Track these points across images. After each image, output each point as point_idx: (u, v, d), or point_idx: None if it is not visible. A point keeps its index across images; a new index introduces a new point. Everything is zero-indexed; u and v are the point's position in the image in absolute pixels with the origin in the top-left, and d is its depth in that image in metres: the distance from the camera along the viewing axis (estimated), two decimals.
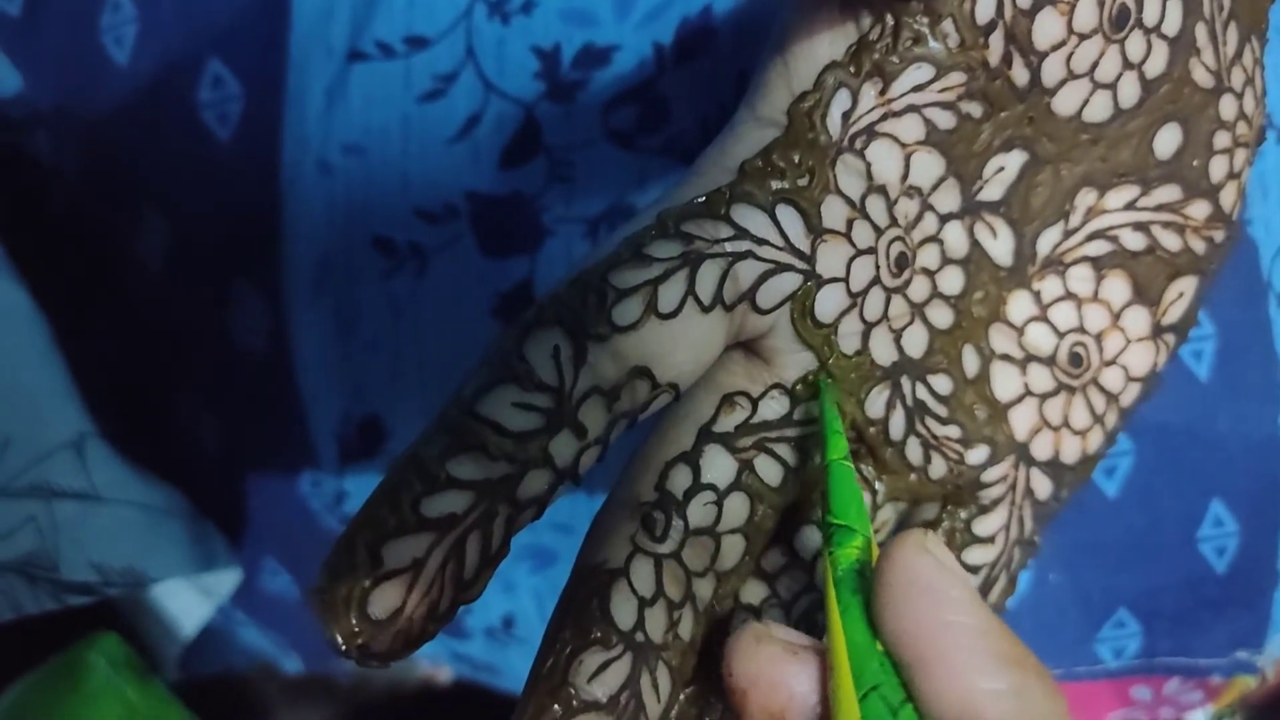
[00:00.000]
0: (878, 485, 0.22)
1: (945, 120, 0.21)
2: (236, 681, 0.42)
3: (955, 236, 0.22)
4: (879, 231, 0.21)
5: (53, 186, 0.35)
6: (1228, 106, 0.22)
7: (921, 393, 0.22)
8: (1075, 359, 0.23)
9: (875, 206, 0.21)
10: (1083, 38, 0.20)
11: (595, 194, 0.29)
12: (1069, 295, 0.23)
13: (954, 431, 0.22)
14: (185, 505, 0.34)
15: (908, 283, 0.21)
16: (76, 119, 0.34)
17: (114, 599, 0.35)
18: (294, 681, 0.41)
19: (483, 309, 0.30)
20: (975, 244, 0.22)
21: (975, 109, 0.21)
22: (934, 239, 0.21)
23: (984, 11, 0.20)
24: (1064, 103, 0.21)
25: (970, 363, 0.22)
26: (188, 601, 0.38)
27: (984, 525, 0.23)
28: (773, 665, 0.17)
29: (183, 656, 0.40)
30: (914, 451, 0.22)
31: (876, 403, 0.21)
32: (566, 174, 0.29)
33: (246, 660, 0.40)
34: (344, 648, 0.16)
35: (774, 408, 0.21)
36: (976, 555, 0.23)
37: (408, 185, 0.30)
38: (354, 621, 0.16)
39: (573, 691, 0.18)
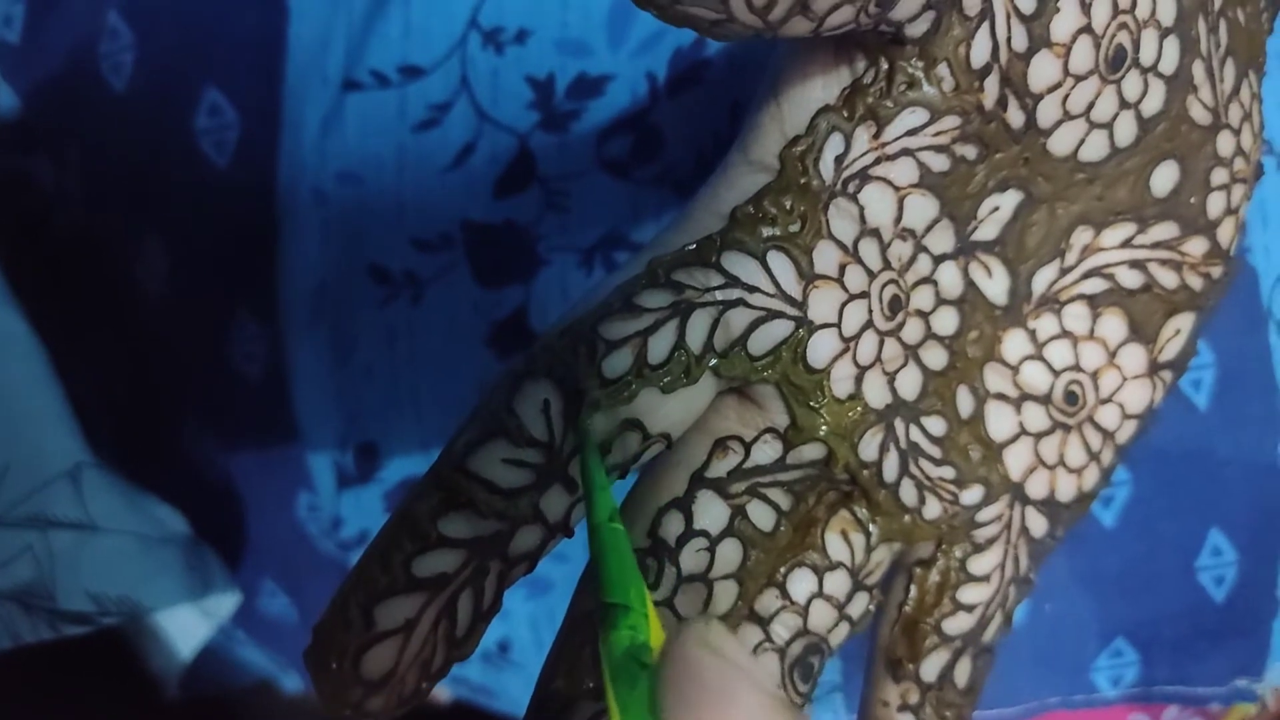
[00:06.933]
0: (871, 528, 0.22)
1: (939, 163, 0.20)
2: (237, 700, 0.43)
3: (949, 277, 0.21)
4: (872, 275, 0.20)
5: (52, 212, 0.35)
6: (1225, 143, 0.22)
7: (915, 435, 0.21)
8: (1071, 397, 0.23)
9: (868, 250, 0.20)
10: (1079, 79, 0.20)
11: (589, 224, 0.29)
12: (1065, 333, 0.23)
13: (948, 472, 0.22)
14: (183, 530, 0.34)
15: (901, 325, 0.21)
16: (75, 145, 0.34)
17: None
18: (294, 700, 0.41)
19: (477, 337, 0.30)
20: (970, 284, 0.22)
21: (970, 151, 0.21)
22: (928, 280, 0.21)
23: (979, 55, 0.20)
24: (1060, 143, 0.21)
25: (964, 403, 0.22)
26: (188, 622, 0.38)
27: (979, 564, 0.22)
28: None
29: (183, 675, 0.40)
30: (908, 493, 0.22)
31: (870, 446, 0.21)
32: (561, 204, 0.29)
33: (247, 679, 0.40)
34: (338, 708, 0.16)
35: (766, 452, 0.20)
36: (971, 594, 0.22)
37: (403, 214, 0.30)
38: (348, 683, 0.16)
39: None
